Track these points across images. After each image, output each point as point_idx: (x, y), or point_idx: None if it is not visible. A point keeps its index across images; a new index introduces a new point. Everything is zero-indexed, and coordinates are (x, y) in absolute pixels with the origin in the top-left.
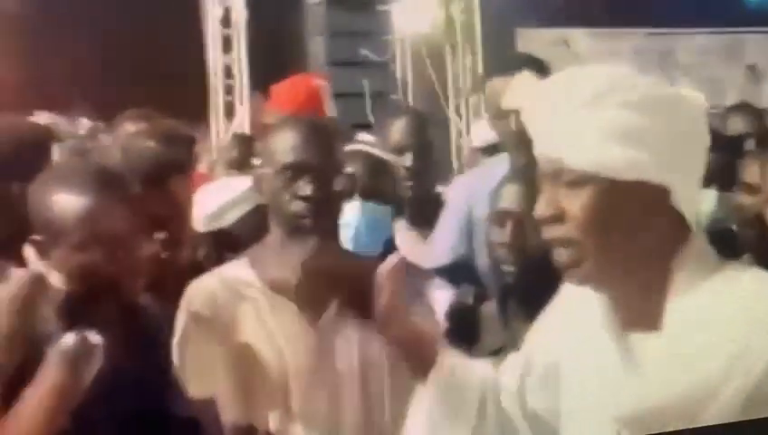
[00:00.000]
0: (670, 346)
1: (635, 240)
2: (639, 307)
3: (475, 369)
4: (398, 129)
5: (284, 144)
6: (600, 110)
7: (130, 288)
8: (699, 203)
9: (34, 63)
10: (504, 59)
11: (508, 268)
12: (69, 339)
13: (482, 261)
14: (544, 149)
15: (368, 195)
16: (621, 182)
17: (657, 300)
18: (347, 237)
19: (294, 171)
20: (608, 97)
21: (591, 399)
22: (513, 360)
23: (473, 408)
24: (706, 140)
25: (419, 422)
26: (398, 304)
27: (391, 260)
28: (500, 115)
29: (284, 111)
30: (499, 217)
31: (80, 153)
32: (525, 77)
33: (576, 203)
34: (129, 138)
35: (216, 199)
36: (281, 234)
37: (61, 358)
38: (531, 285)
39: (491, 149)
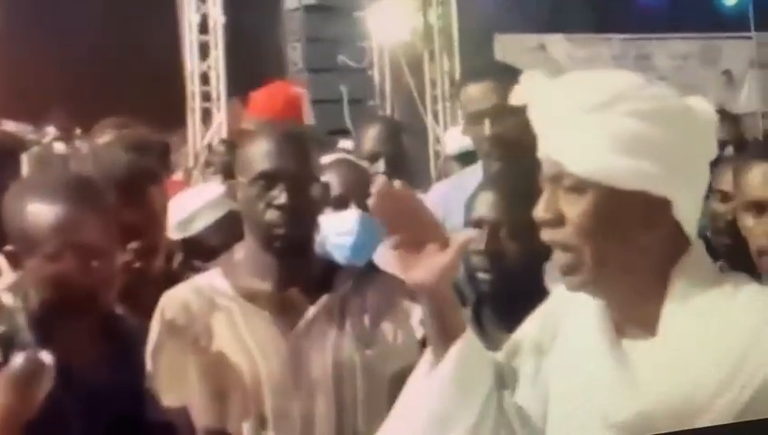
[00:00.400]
0: (665, 354)
1: (633, 248)
2: (635, 314)
3: (490, 359)
4: (371, 136)
5: (259, 152)
6: (608, 116)
7: (104, 298)
8: (699, 215)
9: (9, 71)
10: (480, 66)
11: (483, 276)
12: (18, 360)
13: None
14: (547, 150)
15: (361, 204)
16: (623, 191)
17: (653, 307)
18: (344, 244)
19: (269, 180)
20: (616, 104)
21: (583, 403)
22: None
23: (478, 401)
24: (713, 152)
25: (428, 395)
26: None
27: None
28: (474, 121)
29: (263, 118)
30: (474, 225)
31: (48, 162)
32: (535, 75)
33: (575, 208)
34: (102, 147)
35: (187, 206)
36: (255, 242)
37: (9, 379)
38: (507, 293)
39: (465, 157)
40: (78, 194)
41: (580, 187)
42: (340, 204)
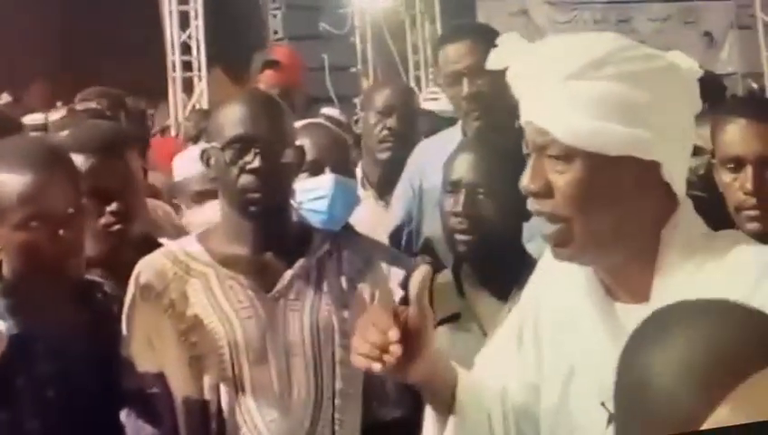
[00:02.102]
0: None
1: (623, 214)
2: (627, 279)
3: (484, 389)
4: (385, 93)
5: (232, 117)
6: (593, 81)
7: (74, 266)
8: (686, 172)
9: None
10: (456, 27)
11: (461, 237)
12: None
13: (429, 230)
14: (531, 117)
15: (336, 168)
16: (611, 157)
17: (645, 271)
18: (319, 208)
19: (242, 145)
20: (601, 68)
21: (577, 372)
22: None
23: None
24: (698, 106)
25: None
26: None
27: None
28: (452, 81)
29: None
30: (452, 187)
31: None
32: (513, 37)
33: (564, 178)
34: (78, 113)
35: (182, 170)
36: (230, 207)
37: None
38: (485, 254)
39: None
40: (43, 162)
41: (567, 155)
42: (316, 168)
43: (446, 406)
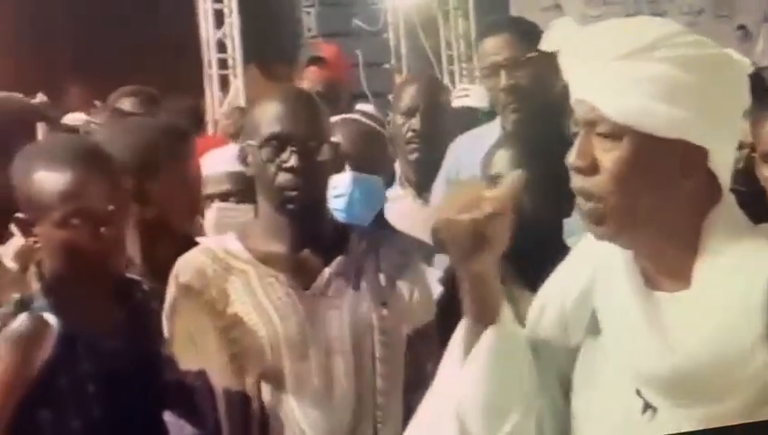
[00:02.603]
0: (699, 307)
1: (666, 198)
2: (667, 265)
3: (524, 339)
4: (410, 92)
5: (268, 115)
6: (646, 62)
7: (114, 264)
8: (733, 165)
9: (24, 42)
10: (494, 21)
11: None
12: (20, 320)
13: None
14: (582, 95)
15: (359, 164)
16: (660, 139)
17: (686, 259)
18: (339, 207)
19: (278, 142)
20: (655, 50)
21: (613, 358)
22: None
23: (520, 388)
24: (747, 102)
25: (468, 385)
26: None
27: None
28: (490, 73)
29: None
30: (491, 182)
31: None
32: (565, 21)
33: (610, 155)
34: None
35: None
36: (268, 205)
37: (10, 340)
38: (525, 249)
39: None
40: (84, 160)
41: (616, 133)
42: (337, 166)
43: (491, 313)
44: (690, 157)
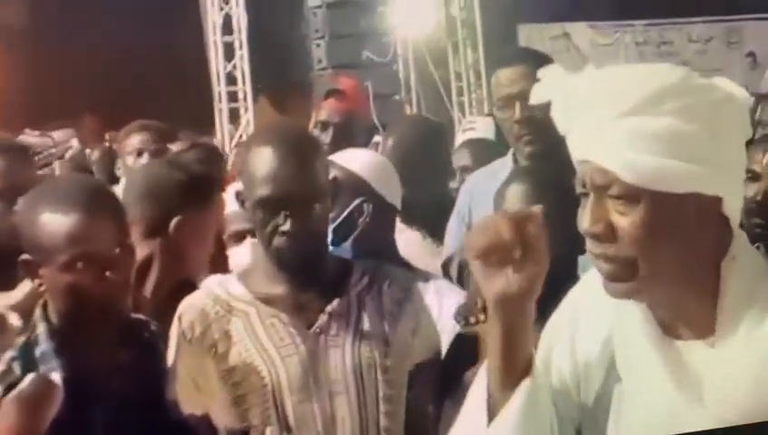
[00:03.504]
0: (728, 356)
1: (685, 250)
2: (686, 313)
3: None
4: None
5: (260, 173)
6: (653, 118)
7: (119, 307)
8: (741, 203)
9: (36, 76)
10: (508, 52)
11: None
12: (26, 381)
13: None
14: (589, 156)
15: None
16: (675, 195)
17: (706, 304)
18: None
19: (272, 207)
20: (660, 103)
21: (633, 405)
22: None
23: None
24: (749, 134)
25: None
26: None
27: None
28: (504, 105)
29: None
30: None
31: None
32: (555, 69)
33: (628, 219)
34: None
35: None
36: (265, 255)
37: (17, 400)
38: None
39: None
40: (89, 203)
41: (631, 194)
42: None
43: (524, 367)
44: (705, 207)
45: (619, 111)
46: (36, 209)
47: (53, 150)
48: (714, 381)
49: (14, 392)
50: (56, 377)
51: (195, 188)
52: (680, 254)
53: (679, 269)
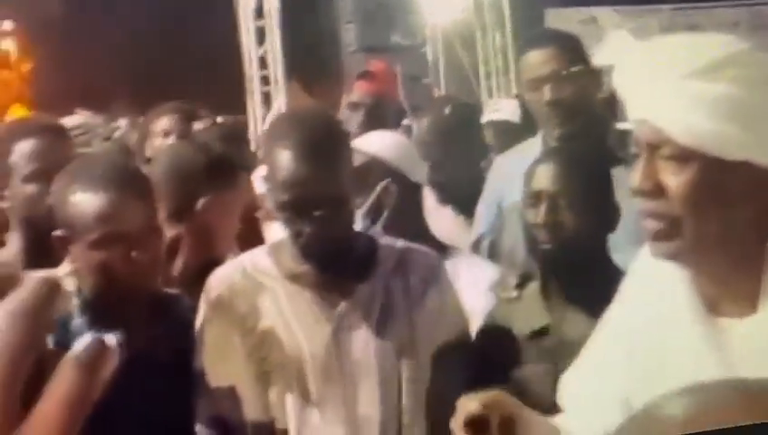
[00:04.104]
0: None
1: (731, 220)
2: (732, 288)
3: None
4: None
5: (284, 171)
6: (714, 83)
7: (147, 285)
8: None
9: (74, 62)
10: (537, 34)
11: (544, 247)
12: (84, 342)
13: (509, 245)
14: (645, 115)
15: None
16: (726, 161)
17: (751, 280)
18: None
19: (294, 210)
20: (723, 70)
21: (672, 381)
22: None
23: None
24: None
25: None
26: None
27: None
28: (533, 87)
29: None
30: (533, 197)
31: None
32: (622, 34)
33: (678, 178)
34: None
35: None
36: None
37: (75, 362)
38: (569, 265)
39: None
40: (120, 183)
41: (683, 156)
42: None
43: None
44: (756, 178)
45: (681, 74)
46: (69, 188)
47: (101, 130)
48: (753, 359)
49: (72, 354)
50: (112, 340)
51: (219, 169)
52: (726, 223)
53: (725, 240)
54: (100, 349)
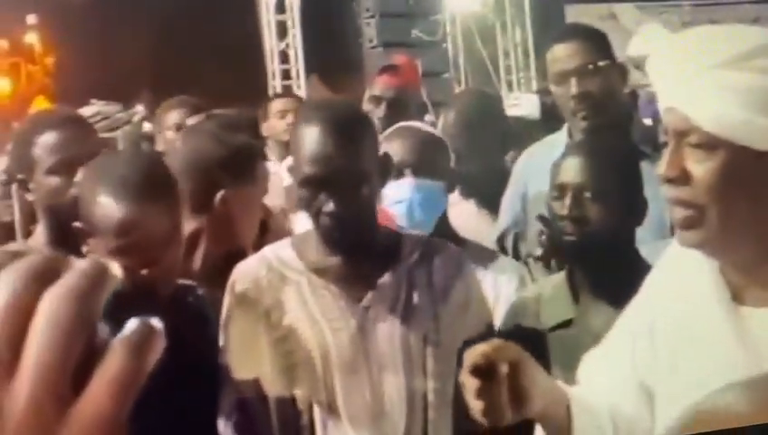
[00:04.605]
0: None
1: (757, 209)
2: (758, 276)
3: (596, 408)
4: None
5: (305, 151)
6: (742, 72)
7: (165, 288)
8: None
9: (97, 55)
10: (563, 28)
11: (569, 240)
12: (132, 325)
13: (532, 237)
14: (674, 103)
15: (419, 170)
16: (753, 151)
17: None
18: (399, 214)
19: (315, 187)
20: (752, 60)
21: (695, 371)
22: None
23: None
24: None
25: None
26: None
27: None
28: (560, 80)
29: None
30: (559, 190)
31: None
32: (654, 26)
33: (704, 166)
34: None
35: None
36: (315, 230)
37: (125, 343)
38: (595, 257)
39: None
40: (143, 191)
41: (710, 144)
42: (397, 172)
43: (563, 431)
44: None
45: (711, 64)
46: (93, 189)
47: (120, 115)
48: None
49: (121, 336)
50: (159, 324)
51: (236, 162)
52: (751, 212)
53: (750, 229)
54: (148, 332)
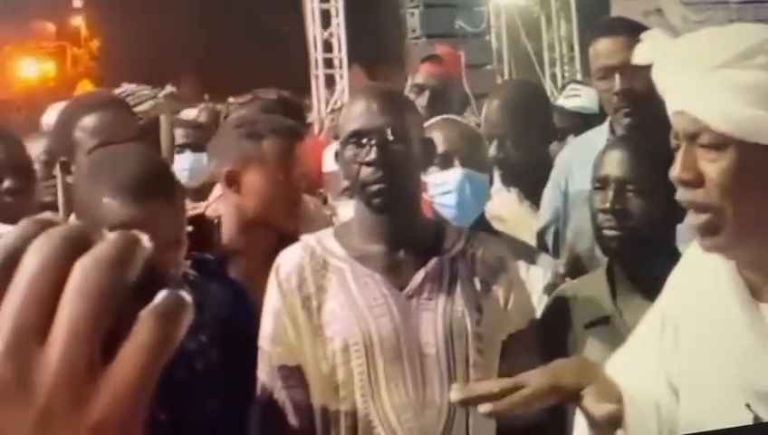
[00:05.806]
0: None
1: None
2: None
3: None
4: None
5: (351, 113)
6: (745, 70)
7: (167, 280)
8: None
9: (142, 40)
10: (607, 22)
11: (610, 233)
12: (163, 295)
13: (575, 229)
14: (682, 107)
15: (467, 161)
16: (763, 147)
17: None
18: (447, 203)
19: (358, 139)
20: (753, 57)
21: (719, 372)
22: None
23: None
24: None
25: None
26: None
27: None
28: (603, 75)
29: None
30: (601, 183)
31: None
32: (656, 33)
33: (715, 166)
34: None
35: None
36: (359, 203)
37: (157, 311)
38: (635, 251)
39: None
40: (146, 195)
41: (720, 143)
42: (445, 162)
43: (615, 422)
44: None
45: (714, 64)
46: (97, 188)
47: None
48: None
49: (152, 305)
50: (188, 296)
51: (275, 136)
52: (765, 209)
53: (764, 226)
54: (178, 303)
